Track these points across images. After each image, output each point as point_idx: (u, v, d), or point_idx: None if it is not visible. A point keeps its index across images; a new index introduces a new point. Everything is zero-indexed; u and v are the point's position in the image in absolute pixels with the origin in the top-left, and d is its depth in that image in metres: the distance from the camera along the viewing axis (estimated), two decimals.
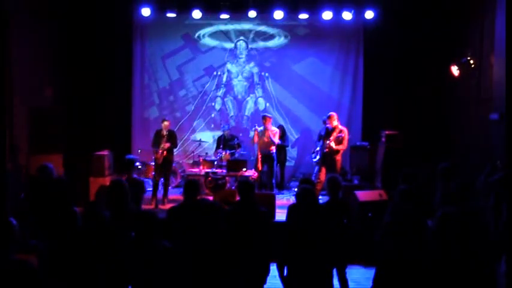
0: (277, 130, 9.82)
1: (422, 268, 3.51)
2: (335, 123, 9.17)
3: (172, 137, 9.04)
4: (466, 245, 3.28)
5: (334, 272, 4.72)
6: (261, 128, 9.61)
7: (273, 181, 9.88)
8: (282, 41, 11.29)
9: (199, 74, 11.40)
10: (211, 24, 11.20)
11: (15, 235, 3.55)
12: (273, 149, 9.65)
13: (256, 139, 9.55)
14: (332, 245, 4.29)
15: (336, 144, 8.95)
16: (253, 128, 9.64)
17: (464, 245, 3.27)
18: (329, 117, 9.22)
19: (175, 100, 11.44)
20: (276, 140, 9.64)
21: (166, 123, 9.07)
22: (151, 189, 9.12)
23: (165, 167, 9.02)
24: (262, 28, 11.26)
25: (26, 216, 4.87)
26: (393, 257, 3.94)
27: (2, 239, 3.47)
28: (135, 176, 6.32)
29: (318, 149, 9.39)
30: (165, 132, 8.95)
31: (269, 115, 9.83)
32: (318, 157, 9.43)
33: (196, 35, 11.26)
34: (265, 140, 9.50)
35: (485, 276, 3.28)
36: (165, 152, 8.90)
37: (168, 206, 8.27)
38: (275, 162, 9.80)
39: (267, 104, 11.40)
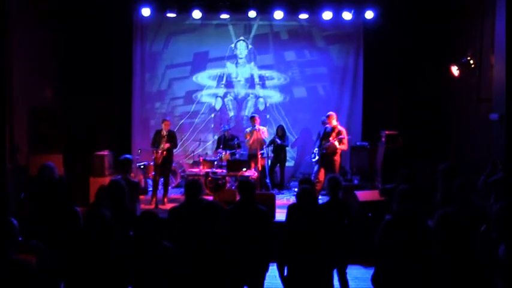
0: (264, 129, 10.06)
1: (422, 268, 3.51)
2: (334, 122, 9.22)
3: (172, 138, 9.05)
4: (467, 244, 3.28)
5: (335, 272, 4.73)
6: (250, 128, 9.94)
7: (267, 180, 9.96)
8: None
9: (200, 74, 11.40)
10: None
11: (15, 235, 3.55)
12: (264, 148, 9.74)
13: (251, 141, 9.82)
14: (332, 245, 4.29)
15: (339, 144, 9.04)
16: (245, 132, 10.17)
17: (464, 245, 3.27)
18: (328, 116, 9.26)
19: (175, 99, 11.43)
20: (265, 136, 9.88)
21: (166, 123, 9.07)
22: (151, 189, 9.14)
23: (165, 167, 9.03)
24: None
25: (26, 216, 4.87)
26: (393, 256, 3.94)
27: (2, 239, 3.47)
28: (129, 177, 6.28)
29: (316, 149, 9.45)
30: (165, 133, 8.95)
31: (256, 115, 10.06)
32: (317, 157, 9.50)
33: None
34: (256, 139, 9.72)
35: (485, 277, 3.28)
36: (164, 152, 8.91)
37: (168, 206, 8.28)
38: (266, 161, 9.91)
39: (267, 104, 11.40)
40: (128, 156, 6.59)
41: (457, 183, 5.01)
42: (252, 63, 11.37)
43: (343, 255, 5.45)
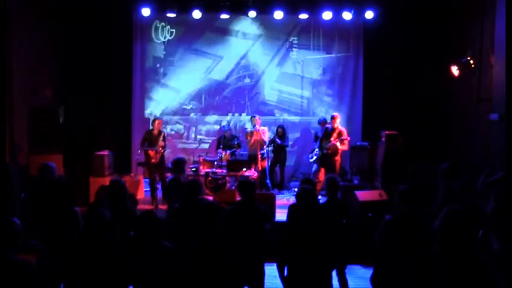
0: (265, 129, 10.04)
1: (422, 268, 3.51)
2: (336, 124, 9.21)
3: (164, 137, 9.11)
4: (467, 244, 3.28)
5: (334, 272, 4.71)
6: (250, 128, 9.90)
7: (267, 181, 9.96)
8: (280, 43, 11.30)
9: (200, 73, 11.36)
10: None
11: (16, 235, 3.55)
12: (264, 148, 9.74)
13: (252, 141, 9.79)
14: (332, 245, 4.29)
15: (340, 145, 9.06)
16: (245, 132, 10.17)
17: (465, 245, 3.27)
18: (333, 117, 9.26)
19: (176, 99, 11.43)
20: (266, 138, 9.85)
21: (159, 122, 9.12)
22: (147, 189, 9.19)
23: (161, 167, 9.06)
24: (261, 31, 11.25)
25: (26, 216, 4.87)
26: (393, 256, 3.94)
27: (3, 238, 3.47)
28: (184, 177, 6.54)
29: (316, 150, 9.46)
30: (157, 132, 8.96)
31: (257, 116, 10.06)
32: (314, 157, 9.54)
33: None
34: (256, 140, 9.71)
35: (486, 277, 3.28)
36: (161, 151, 8.95)
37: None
38: (267, 162, 9.95)
39: (267, 104, 11.39)
40: (181, 157, 6.91)
41: (458, 184, 5.02)
42: (252, 63, 11.35)
43: (343, 255, 5.45)
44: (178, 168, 6.41)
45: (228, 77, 11.32)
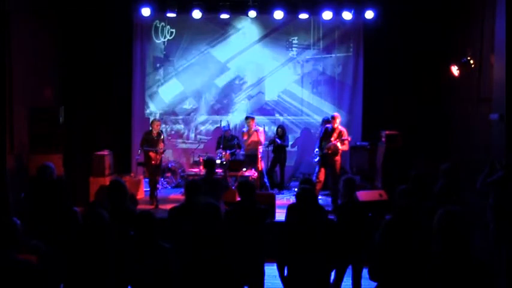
0: (261, 129, 10.04)
1: (422, 267, 3.52)
2: (336, 124, 9.21)
3: (163, 139, 9.11)
4: (467, 243, 3.28)
5: (349, 271, 4.69)
6: (246, 128, 9.95)
7: (265, 180, 9.96)
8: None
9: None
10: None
11: (18, 235, 3.55)
12: (260, 148, 9.73)
13: (249, 141, 9.82)
14: (332, 245, 4.29)
15: (341, 145, 9.07)
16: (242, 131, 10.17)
17: (465, 244, 3.28)
18: (333, 117, 9.24)
19: (176, 99, 11.43)
20: (262, 138, 9.81)
21: (158, 123, 9.13)
22: (148, 189, 9.19)
23: (159, 168, 9.08)
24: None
25: (26, 216, 4.88)
26: (393, 256, 3.94)
27: (4, 239, 3.47)
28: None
29: (316, 149, 9.44)
30: (156, 133, 8.96)
31: (253, 116, 10.09)
32: (318, 158, 9.52)
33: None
34: (252, 140, 9.72)
35: (486, 277, 3.28)
36: (162, 152, 8.96)
37: (168, 206, 8.28)
38: (264, 162, 9.93)
39: (267, 104, 11.39)
40: (211, 156, 7.24)
41: (444, 167, 5.04)
42: (252, 63, 11.36)
43: (360, 256, 5.40)
44: (209, 167, 6.52)
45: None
